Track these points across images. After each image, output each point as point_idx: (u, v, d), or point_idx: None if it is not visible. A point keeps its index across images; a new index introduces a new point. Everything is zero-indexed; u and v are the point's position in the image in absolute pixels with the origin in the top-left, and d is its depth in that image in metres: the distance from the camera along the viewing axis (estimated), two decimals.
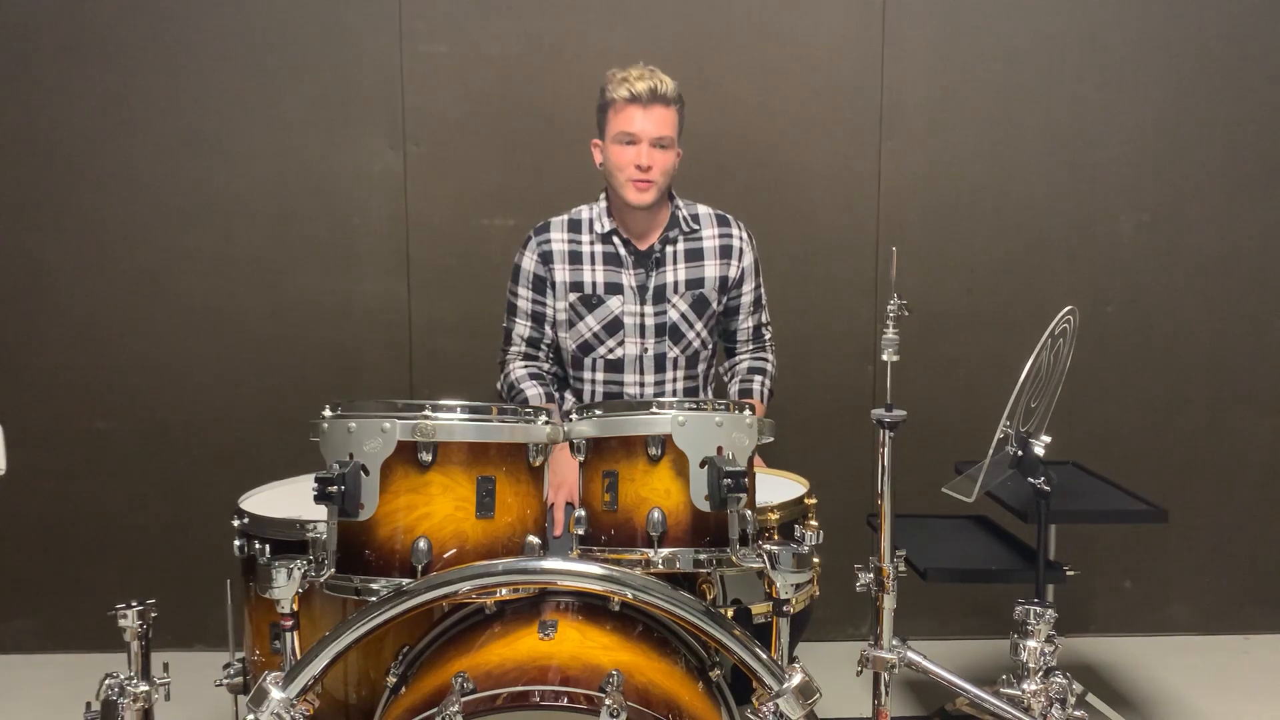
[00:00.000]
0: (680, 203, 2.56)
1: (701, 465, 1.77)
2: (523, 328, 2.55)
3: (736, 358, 2.66)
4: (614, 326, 2.50)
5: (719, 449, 1.78)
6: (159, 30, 3.05)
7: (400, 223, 3.14)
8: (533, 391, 2.50)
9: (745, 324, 2.62)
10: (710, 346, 2.60)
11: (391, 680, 1.77)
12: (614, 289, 2.50)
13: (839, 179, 3.18)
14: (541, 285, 2.52)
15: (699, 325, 2.54)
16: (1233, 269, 3.26)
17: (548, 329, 2.55)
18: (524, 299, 2.54)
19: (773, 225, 3.02)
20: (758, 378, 2.60)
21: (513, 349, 2.56)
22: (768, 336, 2.67)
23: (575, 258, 2.50)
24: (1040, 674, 1.97)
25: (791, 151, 3.16)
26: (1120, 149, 3.20)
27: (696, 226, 2.55)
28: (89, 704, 1.80)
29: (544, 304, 2.53)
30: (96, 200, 3.10)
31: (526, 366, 2.55)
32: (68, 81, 3.06)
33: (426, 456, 1.71)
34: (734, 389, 2.62)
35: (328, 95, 3.09)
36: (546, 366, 2.57)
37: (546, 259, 2.51)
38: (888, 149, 3.17)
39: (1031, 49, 3.16)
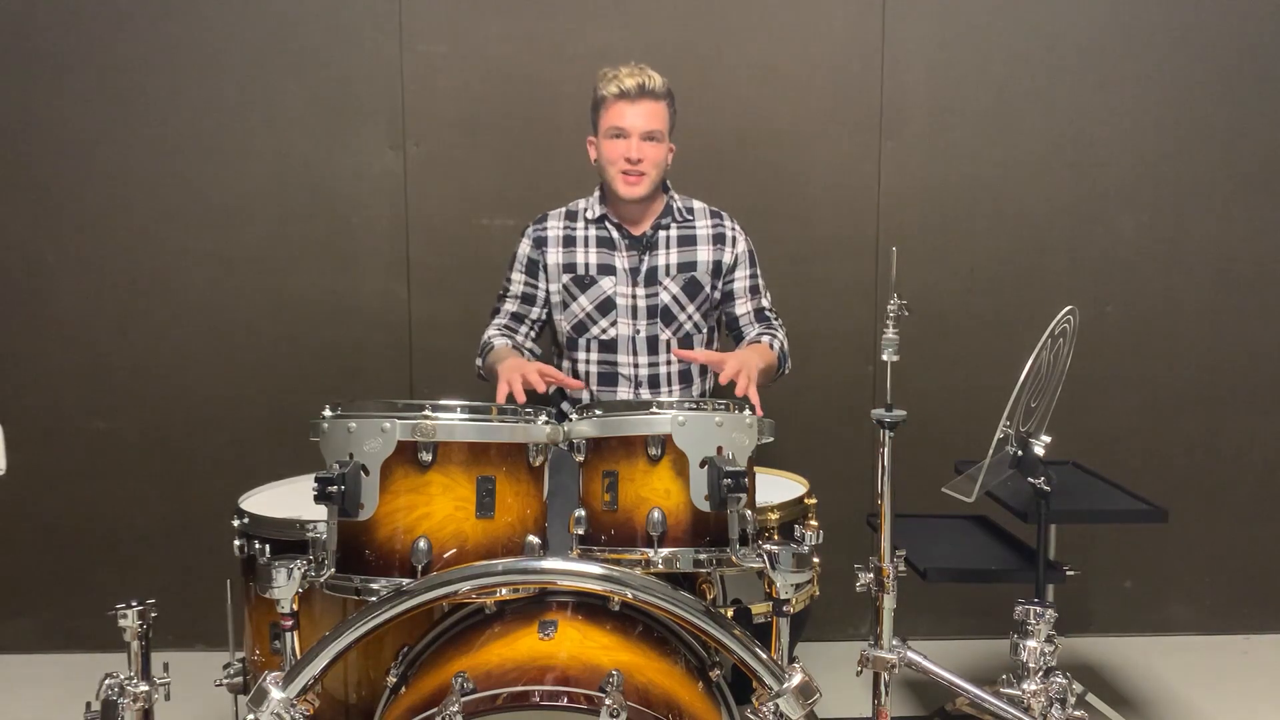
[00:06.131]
0: (676, 195, 2.61)
1: (701, 465, 1.77)
2: (511, 304, 2.61)
3: (745, 339, 2.62)
4: (606, 306, 2.54)
5: (719, 449, 1.78)
6: (159, 30, 3.05)
7: (400, 223, 3.14)
8: (499, 341, 2.54)
9: (745, 308, 2.62)
10: (705, 331, 2.61)
11: (391, 680, 1.77)
12: (606, 270, 2.55)
13: (839, 179, 3.18)
14: (534, 269, 2.58)
15: (691, 308, 2.57)
16: (1232, 269, 3.26)
17: (535, 310, 2.60)
18: (516, 282, 2.61)
19: (773, 225, 3.02)
20: (766, 336, 2.57)
21: (496, 321, 2.61)
22: (773, 318, 2.64)
23: (569, 241, 2.57)
24: (1040, 674, 1.97)
25: (791, 151, 3.16)
26: (1120, 149, 3.20)
27: (690, 217, 2.61)
28: (89, 704, 1.80)
29: (535, 286, 2.59)
30: (96, 200, 3.10)
31: (501, 333, 2.58)
32: (68, 81, 3.06)
33: (426, 456, 1.71)
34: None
35: (328, 95, 3.10)
36: (521, 339, 2.59)
37: (540, 243, 2.58)
38: (888, 149, 3.17)
39: (1032, 49, 3.16)
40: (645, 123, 2.44)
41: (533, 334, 2.62)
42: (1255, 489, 3.34)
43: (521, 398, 2.17)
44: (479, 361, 2.56)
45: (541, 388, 2.21)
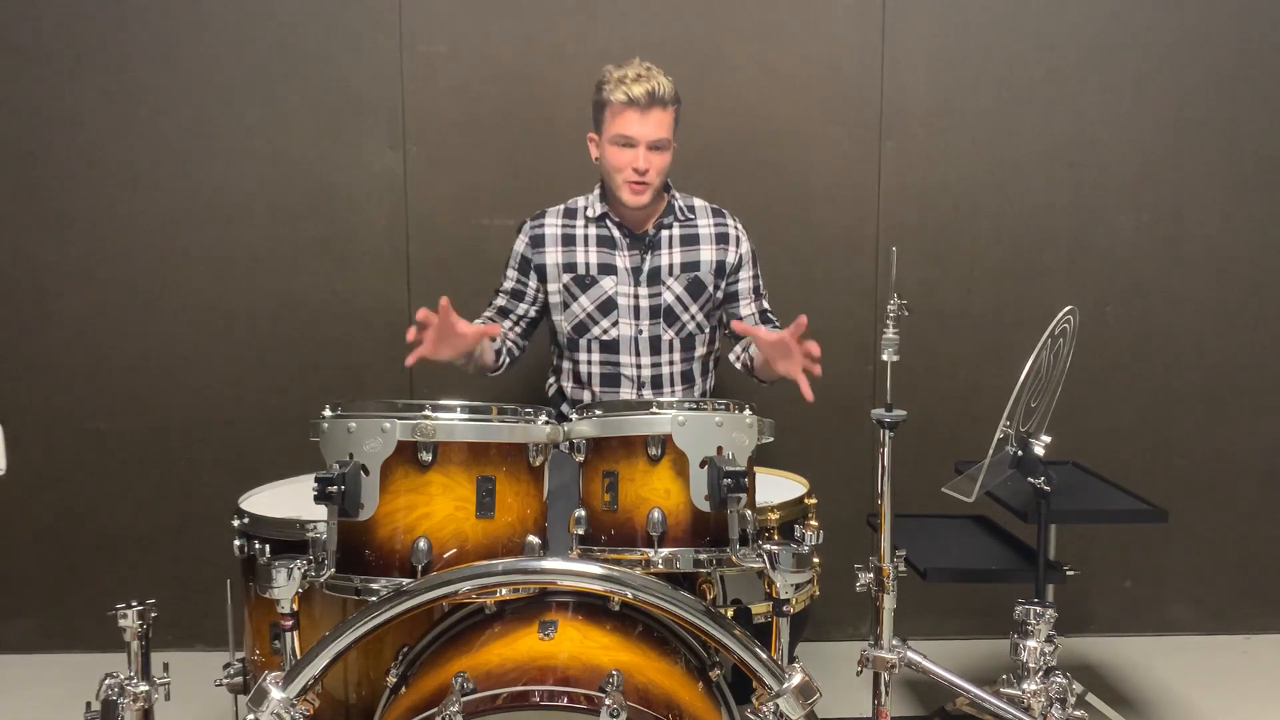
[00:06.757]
0: (677, 194, 2.59)
1: (701, 465, 1.77)
2: (501, 299, 2.61)
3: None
4: (608, 307, 2.52)
5: (719, 449, 1.78)
6: (159, 30, 3.05)
7: (400, 223, 3.14)
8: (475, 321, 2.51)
9: (750, 309, 2.62)
10: (708, 331, 2.60)
11: (391, 680, 1.77)
12: (607, 270, 2.52)
13: (839, 179, 3.18)
14: (526, 266, 2.57)
15: (694, 308, 2.55)
16: (1232, 269, 3.26)
17: (522, 307, 2.59)
18: (510, 278, 2.60)
19: (773, 225, 3.02)
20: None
21: (484, 314, 2.62)
22: (774, 321, 2.65)
23: (569, 240, 2.54)
24: (1040, 674, 1.97)
25: (791, 151, 3.16)
26: (1120, 149, 3.20)
27: (692, 216, 2.59)
28: (89, 704, 1.80)
29: (525, 284, 2.58)
30: (96, 200, 3.10)
31: (483, 323, 2.55)
32: (68, 82, 3.06)
33: (426, 456, 1.71)
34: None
35: (328, 95, 3.09)
36: (506, 332, 2.58)
37: (537, 242, 2.56)
38: (888, 149, 3.17)
39: (1031, 49, 3.16)
40: (654, 132, 2.40)
41: (518, 330, 2.60)
42: (1255, 489, 3.34)
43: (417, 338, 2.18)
44: None
45: (431, 320, 2.16)
